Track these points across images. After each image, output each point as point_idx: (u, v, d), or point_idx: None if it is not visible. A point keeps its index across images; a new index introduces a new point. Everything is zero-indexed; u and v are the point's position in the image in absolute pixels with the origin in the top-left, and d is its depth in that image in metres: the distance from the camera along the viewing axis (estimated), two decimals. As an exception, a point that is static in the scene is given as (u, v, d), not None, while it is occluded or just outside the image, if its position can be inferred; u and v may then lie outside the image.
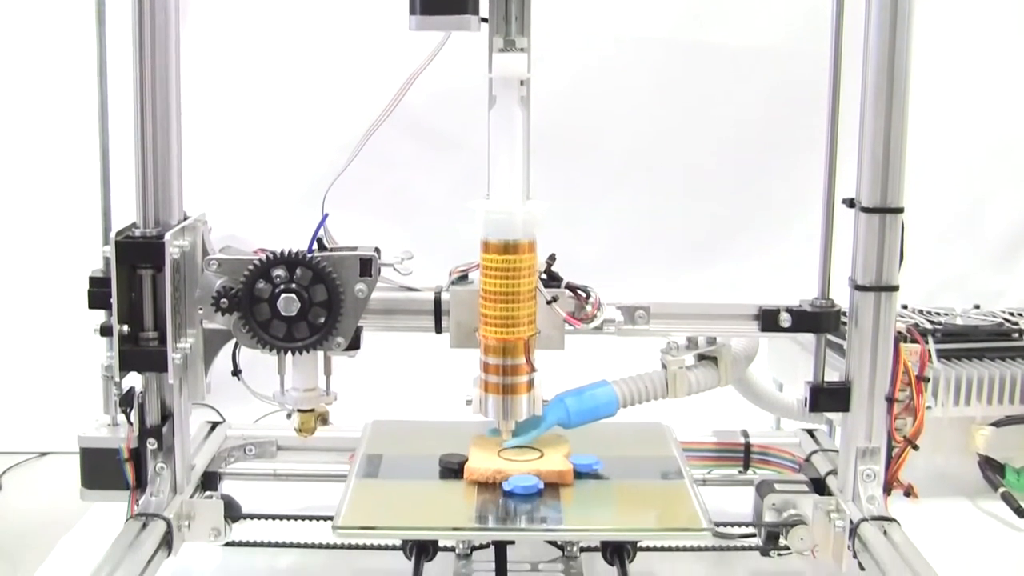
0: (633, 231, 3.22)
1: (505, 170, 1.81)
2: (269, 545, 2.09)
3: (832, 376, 2.01)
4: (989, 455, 2.46)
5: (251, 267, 1.84)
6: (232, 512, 2.01)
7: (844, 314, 1.98)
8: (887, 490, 1.98)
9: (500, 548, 1.93)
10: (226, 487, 2.14)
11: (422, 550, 1.92)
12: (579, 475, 1.94)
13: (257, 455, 2.25)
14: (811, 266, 2.01)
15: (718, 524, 1.92)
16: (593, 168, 3.18)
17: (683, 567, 2.12)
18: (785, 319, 1.96)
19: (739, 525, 2.06)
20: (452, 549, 1.99)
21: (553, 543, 2.02)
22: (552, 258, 1.91)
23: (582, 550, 2.00)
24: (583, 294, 1.91)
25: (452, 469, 1.95)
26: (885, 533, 1.89)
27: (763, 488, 2.00)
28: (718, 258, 3.22)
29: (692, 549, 2.11)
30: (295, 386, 1.94)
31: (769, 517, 1.98)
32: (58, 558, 2.14)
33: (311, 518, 2.07)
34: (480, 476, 1.92)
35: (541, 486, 1.88)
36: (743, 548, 2.10)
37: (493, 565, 1.90)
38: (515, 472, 1.90)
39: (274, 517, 2.08)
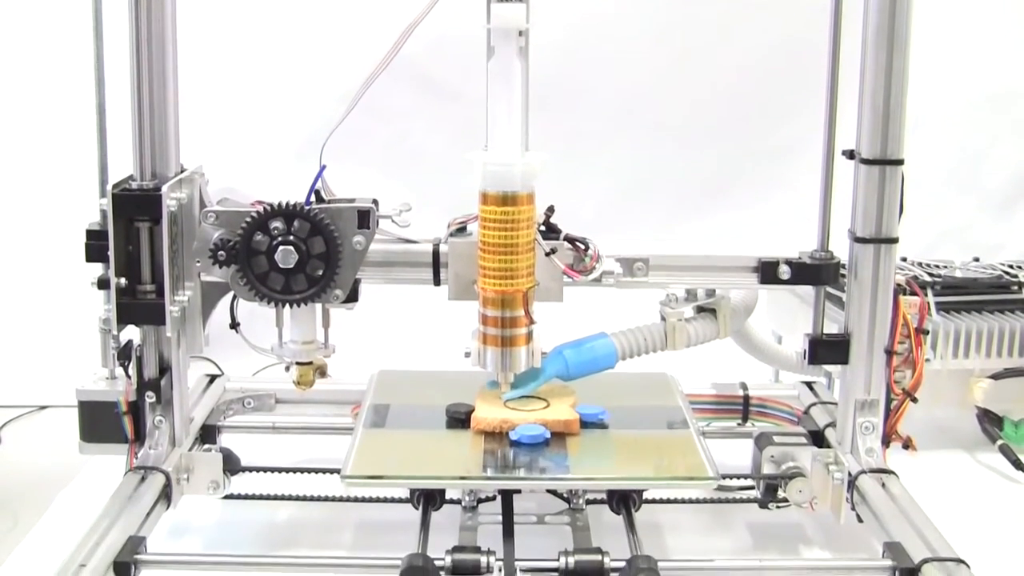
0: (632, 182, 3.21)
1: (503, 121, 1.80)
2: (268, 498, 2.10)
3: (831, 328, 2.01)
4: (987, 408, 2.46)
5: (249, 219, 1.82)
6: (231, 465, 2.02)
7: (843, 266, 1.97)
8: (885, 442, 1.98)
9: (506, 498, 1.93)
10: (225, 440, 2.14)
11: (429, 499, 1.92)
12: (585, 425, 1.94)
13: (256, 408, 2.25)
14: (810, 218, 2.01)
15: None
16: (592, 119, 3.17)
17: (683, 518, 2.12)
18: (784, 271, 1.95)
19: (738, 477, 2.07)
20: (458, 502, 2.00)
21: (559, 495, 2.02)
22: (551, 210, 1.89)
23: (588, 502, 2.00)
24: (582, 246, 1.90)
25: (459, 419, 1.96)
26: (883, 485, 1.90)
27: (762, 440, 1.99)
28: (717, 209, 3.21)
29: (691, 501, 2.12)
30: (293, 339, 1.94)
31: (768, 469, 1.97)
32: (58, 511, 2.15)
33: (310, 471, 2.08)
34: (487, 426, 1.92)
35: (548, 435, 1.89)
36: (742, 500, 2.11)
37: (499, 517, 1.89)
38: (521, 422, 1.91)
39: (273, 470, 2.09)
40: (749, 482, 2.07)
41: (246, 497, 2.08)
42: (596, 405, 1.98)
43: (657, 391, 2.14)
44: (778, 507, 1.99)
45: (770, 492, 1.98)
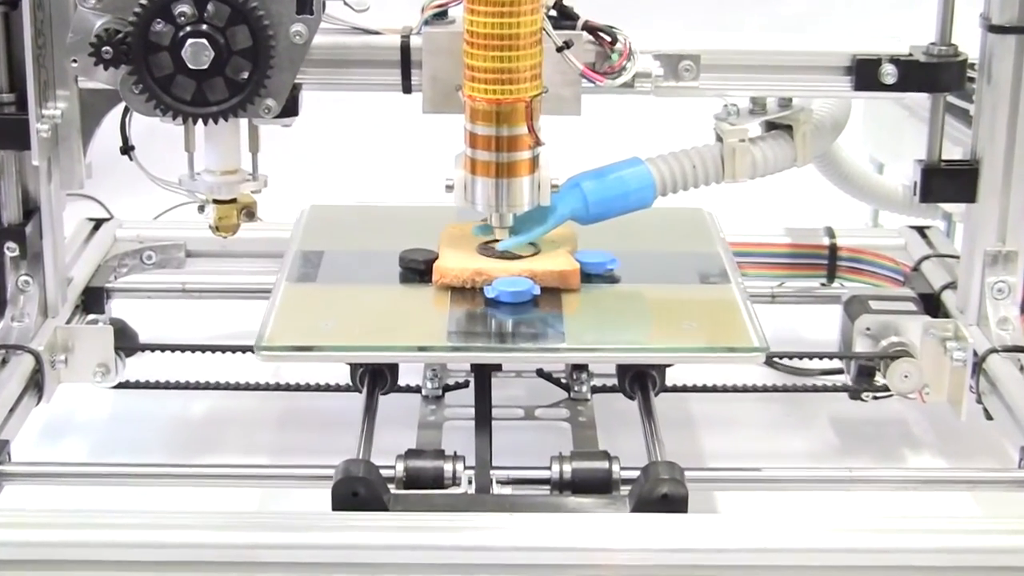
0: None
1: None
2: (176, 387, 2.09)
3: (953, 153, 2.00)
4: None
5: (144, 1, 1.79)
6: (126, 341, 2.03)
7: (972, 67, 1.95)
8: (1026, 311, 1.99)
9: (481, 381, 1.93)
10: (117, 308, 2.15)
11: (377, 378, 1.93)
12: (588, 277, 1.93)
13: (159, 264, 2.26)
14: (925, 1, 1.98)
15: (790, 356, 1.92)
16: None
17: (747, 414, 2.14)
18: (889, 72, 1.92)
19: (821, 357, 2.07)
20: (417, 389, 2.01)
21: (555, 381, 2.04)
22: (565, -13, 1.87)
23: (595, 390, 2.00)
24: (607, 38, 1.87)
25: (417, 270, 1.95)
26: (1023, 369, 1.89)
27: (854, 307, 2.01)
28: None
29: (758, 390, 2.11)
30: (209, 168, 1.92)
31: (862, 347, 1.98)
32: None
33: (232, 349, 2.07)
34: (454, 279, 1.91)
35: (536, 291, 1.87)
36: (826, 388, 2.11)
37: (472, 411, 1.88)
38: (501, 274, 1.89)
39: (182, 348, 2.08)
40: (837, 364, 2.08)
41: (146, 386, 2.07)
42: (602, 251, 1.97)
43: (686, 233, 2.13)
44: (875, 398, 2.01)
45: (865, 377, 1.99)
